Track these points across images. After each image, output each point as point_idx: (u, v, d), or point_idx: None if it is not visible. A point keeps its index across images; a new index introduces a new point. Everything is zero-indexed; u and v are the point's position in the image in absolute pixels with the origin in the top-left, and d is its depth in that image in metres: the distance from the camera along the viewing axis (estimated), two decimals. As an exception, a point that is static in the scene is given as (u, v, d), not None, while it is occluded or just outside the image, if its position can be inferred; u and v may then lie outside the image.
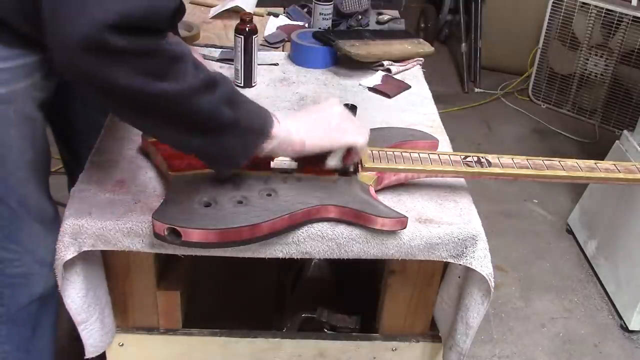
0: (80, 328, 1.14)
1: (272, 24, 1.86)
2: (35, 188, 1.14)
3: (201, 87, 0.88)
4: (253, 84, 1.53)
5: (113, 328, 1.25)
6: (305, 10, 1.93)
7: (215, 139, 0.93)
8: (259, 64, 1.57)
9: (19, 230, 1.15)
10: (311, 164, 1.11)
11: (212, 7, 1.96)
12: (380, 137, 1.19)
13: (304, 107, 1.08)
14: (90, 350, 1.19)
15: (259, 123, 0.97)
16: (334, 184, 1.09)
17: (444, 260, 1.12)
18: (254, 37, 1.47)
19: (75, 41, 0.76)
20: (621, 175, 1.15)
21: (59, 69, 0.82)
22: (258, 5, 1.94)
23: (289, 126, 1.00)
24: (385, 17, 1.92)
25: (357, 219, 1.05)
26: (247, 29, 1.46)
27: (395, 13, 1.99)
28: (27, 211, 1.14)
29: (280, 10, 1.97)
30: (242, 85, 1.51)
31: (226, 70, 1.56)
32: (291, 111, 1.04)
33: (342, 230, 1.07)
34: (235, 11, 1.86)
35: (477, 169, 1.13)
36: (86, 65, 0.79)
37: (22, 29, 1.00)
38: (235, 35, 1.48)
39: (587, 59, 3.24)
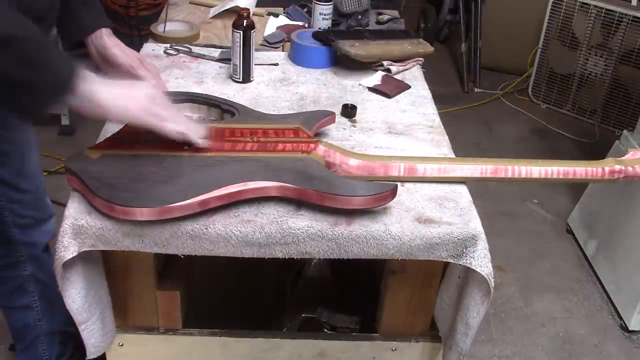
0: (81, 328, 1.14)
1: (272, 24, 1.86)
2: None
3: None
4: (251, 79, 1.53)
5: (114, 328, 1.25)
6: (305, 10, 1.93)
7: (8, 94, 0.99)
8: (259, 64, 1.57)
9: None
10: None
11: (212, 7, 1.96)
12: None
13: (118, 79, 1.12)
14: (92, 350, 1.19)
15: (56, 83, 1.00)
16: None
17: (444, 260, 1.12)
18: (251, 32, 1.48)
19: None
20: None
21: None
22: (258, 5, 1.94)
23: (95, 89, 1.03)
24: (385, 17, 1.92)
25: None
26: (244, 23, 1.47)
27: (395, 13, 1.99)
28: None
29: (280, 10, 1.97)
30: (240, 80, 1.51)
31: (225, 70, 1.57)
32: (108, 79, 1.07)
33: (342, 230, 1.07)
34: (235, 11, 1.86)
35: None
36: None
37: None
38: (233, 31, 1.48)
39: (587, 59, 3.24)
